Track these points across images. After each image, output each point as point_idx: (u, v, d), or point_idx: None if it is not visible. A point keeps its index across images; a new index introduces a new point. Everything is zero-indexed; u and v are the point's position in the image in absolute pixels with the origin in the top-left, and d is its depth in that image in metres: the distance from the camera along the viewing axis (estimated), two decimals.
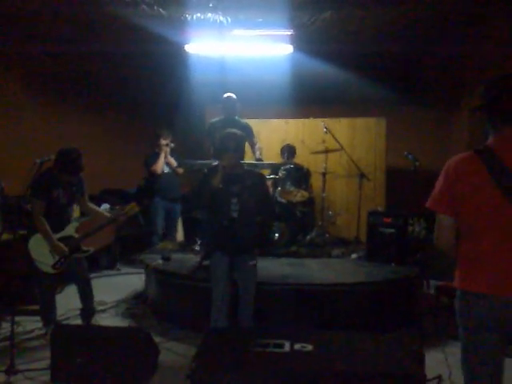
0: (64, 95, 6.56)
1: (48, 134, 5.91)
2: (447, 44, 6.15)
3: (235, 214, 3.69)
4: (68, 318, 4.64)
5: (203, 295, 3.88)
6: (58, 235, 4.08)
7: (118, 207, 5.01)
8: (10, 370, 3.40)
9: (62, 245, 4.03)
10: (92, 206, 4.39)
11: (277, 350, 2.77)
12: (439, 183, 2.19)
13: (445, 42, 6.12)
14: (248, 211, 3.71)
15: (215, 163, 3.99)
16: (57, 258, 4.03)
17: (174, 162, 6.30)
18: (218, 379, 2.62)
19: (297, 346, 2.80)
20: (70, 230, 4.14)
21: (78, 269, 4.22)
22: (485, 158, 2.06)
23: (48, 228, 4.01)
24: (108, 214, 4.30)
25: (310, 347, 2.79)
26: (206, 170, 4.05)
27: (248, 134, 5.40)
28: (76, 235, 4.13)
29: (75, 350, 3.37)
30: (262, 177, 4.02)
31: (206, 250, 4.01)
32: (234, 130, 3.81)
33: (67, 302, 4.73)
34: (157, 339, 4.11)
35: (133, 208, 4.18)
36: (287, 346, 2.80)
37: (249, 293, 3.74)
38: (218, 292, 3.67)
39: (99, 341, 3.41)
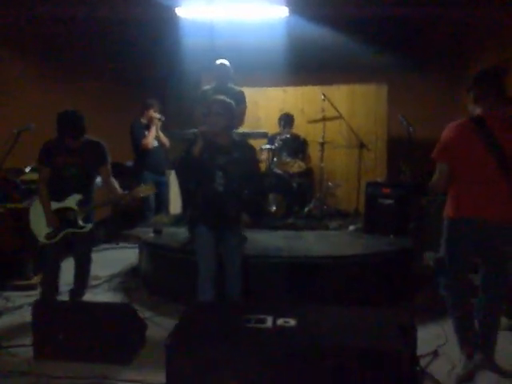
0: (48, 63, 6.35)
1: (32, 104, 5.75)
2: (453, 7, 5.84)
3: (220, 188, 3.54)
4: (60, 293, 4.55)
5: (194, 269, 3.77)
6: (57, 205, 3.91)
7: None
8: None
9: (54, 216, 3.87)
10: (110, 179, 4.03)
11: (258, 325, 2.67)
12: (442, 140, 2.95)
13: (451, 5, 5.81)
14: (234, 185, 3.56)
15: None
16: (50, 228, 3.90)
17: (165, 139, 6.10)
18: (194, 353, 2.52)
19: (279, 321, 2.69)
20: (70, 201, 3.92)
21: (77, 246, 4.07)
22: (477, 124, 2.84)
23: (46, 196, 3.87)
24: (120, 193, 3.98)
25: (292, 322, 2.68)
26: (192, 139, 3.88)
27: (239, 100, 5.22)
28: (75, 208, 3.92)
29: (58, 326, 3.32)
30: (252, 149, 3.78)
31: (189, 222, 3.85)
32: (223, 97, 3.64)
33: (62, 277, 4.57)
34: (147, 313, 4.09)
35: (146, 189, 3.96)
36: (269, 321, 2.69)
37: (235, 267, 3.64)
38: (203, 266, 3.57)
39: (83, 316, 3.34)
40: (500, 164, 2.82)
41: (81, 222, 3.95)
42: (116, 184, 4.01)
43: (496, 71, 3.06)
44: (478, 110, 2.93)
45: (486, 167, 2.85)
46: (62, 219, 3.91)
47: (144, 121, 6.10)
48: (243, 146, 3.71)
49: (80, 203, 3.93)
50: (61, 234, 3.92)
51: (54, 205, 3.91)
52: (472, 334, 3.08)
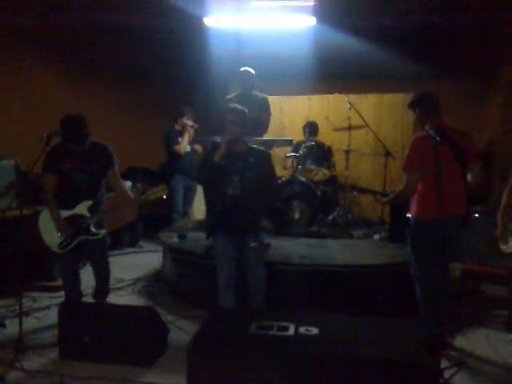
0: (80, 70, 6.51)
1: (63, 110, 5.86)
2: (480, 14, 5.77)
3: (237, 193, 3.56)
4: (86, 295, 4.62)
5: (216, 274, 3.79)
6: (68, 213, 3.83)
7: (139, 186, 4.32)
8: (19, 346, 3.40)
9: (66, 225, 3.80)
10: (120, 183, 3.95)
11: (280, 332, 2.66)
12: (412, 153, 3.43)
13: (478, 12, 5.74)
14: (250, 190, 3.58)
15: (219, 139, 3.85)
16: (63, 238, 3.83)
17: (198, 146, 6.21)
18: (215, 359, 2.53)
19: (301, 330, 2.68)
20: (81, 208, 3.84)
21: (94, 251, 4.01)
22: (440, 135, 3.34)
23: (53, 205, 3.80)
24: (131, 195, 3.91)
25: (315, 331, 2.66)
26: (210, 146, 3.92)
27: (263, 108, 5.24)
28: (87, 215, 3.84)
29: (83, 327, 3.37)
30: (266, 154, 3.84)
31: (208, 229, 3.86)
32: (236, 105, 3.69)
33: (87, 278, 4.59)
34: (170, 318, 4.11)
35: (160, 191, 3.87)
36: (292, 329, 2.68)
37: (256, 274, 3.63)
38: (222, 274, 3.60)
39: (108, 318, 3.38)
40: (462, 165, 3.39)
41: (94, 229, 3.87)
42: (126, 187, 3.97)
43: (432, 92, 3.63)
44: (429, 123, 3.45)
45: (452, 169, 3.37)
46: (74, 227, 3.83)
47: (178, 127, 6.24)
48: (258, 152, 3.75)
49: (91, 209, 3.85)
50: (74, 243, 3.85)
51: (65, 213, 3.83)
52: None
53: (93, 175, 3.87)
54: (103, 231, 3.92)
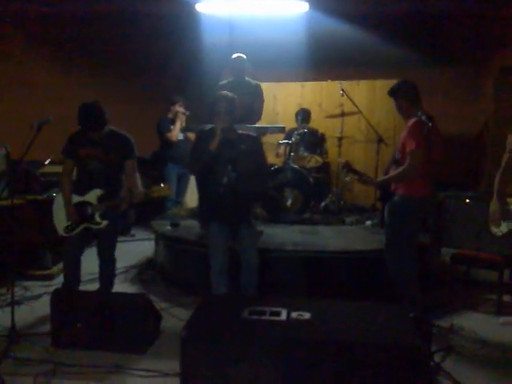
0: (71, 58, 6.46)
1: (54, 98, 5.84)
2: (472, 1, 5.75)
3: (231, 181, 3.54)
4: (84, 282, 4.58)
5: (209, 261, 3.79)
6: (78, 199, 3.86)
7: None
8: (12, 335, 3.38)
9: (74, 210, 3.83)
10: (135, 175, 3.88)
11: (273, 317, 2.67)
12: (418, 133, 3.49)
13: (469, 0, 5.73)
14: (244, 177, 3.56)
15: (207, 127, 3.81)
16: (69, 222, 3.86)
17: (190, 133, 6.19)
18: (208, 344, 2.54)
19: (294, 315, 2.69)
20: (91, 196, 3.85)
21: (100, 244, 4.02)
22: (431, 120, 3.51)
23: (67, 189, 3.85)
24: (139, 191, 3.81)
25: (307, 316, 2.68)
26: (198, 135, 3.87)
27: (256, 95, 5.21)
28: (95, 203, 3.84)
29: (76, 315, 3.36)
30: (257, 140, 3.81)
31: (201, 218, 3.85)
32: (225, 93, 3.65)
33: (85, 266, 4.38)
34: (163, 305, 4.11)
35: (161, 190, 3.77)
36: (284, 315, 2.69)
37: (250, 261, 3.63)
38: (216, 262, 3.60)
39: (100, 306, 3.37)
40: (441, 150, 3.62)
41: (98, 218, 3.86)
42: (139, 181, 3.90)
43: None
44: (412, 110, 3.61)
45: (436, 153, 3.56)
46: (80, 213, 3.85)
47: (171, 116, 6.27)
48: (248, 138, 3.72)
49: (101, 198, 3.84)
50: (78, 229, 3.87)
51: (76, 198, 3.87)
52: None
53: (109, 164, 3.86)
54: (105, 222, 3.87)
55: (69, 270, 4.03)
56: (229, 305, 2.99)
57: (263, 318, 2.67)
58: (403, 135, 3.65)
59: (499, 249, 3.97)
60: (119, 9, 5.74)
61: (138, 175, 3.93)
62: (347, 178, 6.17)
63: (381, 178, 3.83)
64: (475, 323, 3.78)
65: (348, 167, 3.83)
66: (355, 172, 3.80)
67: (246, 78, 5.33)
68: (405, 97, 3.66)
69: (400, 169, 3.57)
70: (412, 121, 3.58)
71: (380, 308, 2.90)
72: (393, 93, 3.72)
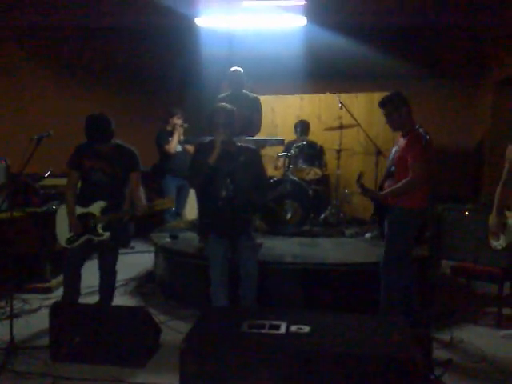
0: (72, 71, 6.50)
1: (54, 111, 5.87)
2: (469, 14, 5.81)
3: (230, 194, 3.54)
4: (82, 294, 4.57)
5: (208, 274, 3.79)
6: (81, 210, 3.87)
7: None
8: (10, 348, 3.38)
9: (77, 221, 3.84)
10: (138, 189, 3.87)
11: (272, 331, 2.66)
12: (420, 145, 3.53)
13: (466, 12, 5.78)
14: (243, 190, 3.56)
15: (206, 139, 3.82)
16: (72, 233, 3.86)
17: (189, 146, 6.22)
18: (207, 357, 2.53)
19: (293, 328, 2.68)
20: (94, 207, 3.85)
21: (101, 256, 4.01)
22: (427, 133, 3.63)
23: (71, 201, 3.85)
24: (142, 204, 3.79)
25: (306, 329, 2.67)
26: (196, 147, 3.88)
27: (254, 108, 5.25)
28: (98, 215, 3.84)
29: (75, 328, 3.35)
30: (256, 152, 3.82)
31: (201, 231, 3.86)
32: (224, 105, 3.66)
33: (84, 278, 4.37)
34: (162, 318, 4.11)
35: (164, 203, 3.80)
36: (283, 328, 2.69)
37: (250, 274, 3.63)
38: (215, 274, 3.60)
39: (99, 319, 3.37)
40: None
41: (100, 230, 3.86)
42: (143, 194, 3.89)
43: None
44: (409, 122, 3.63)
45: (434, 165, 3.63)
46: (83, 225, 3.86)
47: (169, 128, 6.30)
48: (247, 150, 3.72)
49: (104, 210, 3.85)
50: (81, 240, 3.88)
51: (79, 210, 3.88)
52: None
53: (113, 177, 3.86)
54: (107, 233, 3.87)
55: (69, 282, 4.01)
56: (228, 318, 2.98)
57: (262, 331, 2.67)
58: (400, 148, 3.64)
59: (499, 261, 3.97)
60: (119, 23, 5.80)
61: (141, 189, 3.94)
62: (346, 191, 6.21)
63: (384, 191, 3.73)
64: (475, 336, 3.77)
65: (360, 179, 3.82)
66: (362, 185, 3.79)
67: (244, 91, 5.37)
68: (405, 107, 3.63)
69: (404, 181, 3.54)
70: (411, 134, 3.59)
71: (379, 321, 2.90)
72: (383, 104, 3.68)
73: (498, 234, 3.59)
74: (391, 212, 3.68)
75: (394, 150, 3.78)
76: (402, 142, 3.68)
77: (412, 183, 3.52)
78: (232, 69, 5.36)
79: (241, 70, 5.33)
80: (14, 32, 5.71)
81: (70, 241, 3.89)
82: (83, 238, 3.89)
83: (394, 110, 3.62)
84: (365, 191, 3.77)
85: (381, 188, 3.82)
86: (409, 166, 3.52)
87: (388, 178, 3.77)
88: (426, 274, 4.48)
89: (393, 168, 3.70)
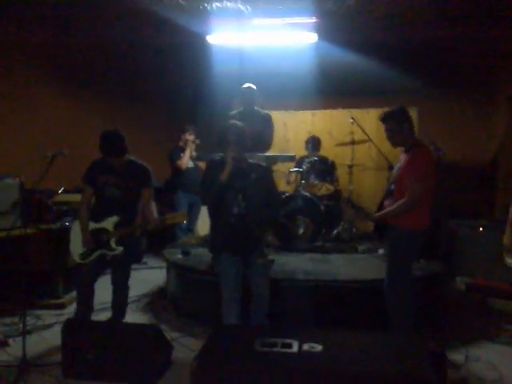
0: (84, 87, 6.57)
1: (67, 128, 5.93)
2: (481, 29, 5.80)
3: (242, 211, 3.54)
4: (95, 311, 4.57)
5: (220, 291, 3.78)
6: (94, 226, 3.90)
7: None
8: (23, 365, 3.38)
9: (90, 236, 3.87)
10: (150, 204, 3.92)
11: (284, 349, 2.64)
12: (425, 163, 3.40)
13: (479, 27, 5.77)
14: (255, 207, 3.56)
15: (218, 156, 3.82)
16: (85, 248, 3.89)
17: (201, 162, 6.26)
18: (219, 376, 2.51)
19: (305, 347, 2.65)
20: (107, 223, 3.88)
21: (114, 271, 4.02)
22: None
23: (84, 216, 3.89)
24: (154, 218, 3.83)
25: (319, 348, 2.64)
26: (208, 164, 3.87)
27: (266, 124, 5.27)
28: (111, 230, 3.88)
29: (86, 345, 3.34)
30: (267, 169, 3.84)
31: (212, 248, 3.84)
32: (235, 122, 3.68)
33: (97, 294, 4.33)
34: (174, 335, 4.09)
35: (176, 217, 3.85)
36: (295, 346, 2.66)
37: (261, 291, 3.61)
38: (227, 291, 3.57)
39: (111, 337, 3.36)
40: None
41: (113, 244, 3.89)
42: (155, 209, 3.92)
43: None
44: (411, 138, 3.50)
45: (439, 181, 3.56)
46: (96, 240, 3.89)
47: (181, 144, 6.37)
48: (259, 167, 3.73)
49: (117, 225, 3.87)
50: (94, 255, 3.89)
51: (92, 225, 3.91)
52: None
53: (126, 192, 3.90)
54: (120, 248, 3.89)
55: (82, 298, 4.01)
56: (240, 335, 2.95)
57: (275, 349, 2.64)
58: (401, 165, 3.51)
59: None
60: (133, 40, 5.88)
61: (153, 204, 3.97)
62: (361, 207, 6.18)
63: (379, 213, 3.58)
64: (492, 354, 3.70)
65: (348, 202, 3.76)
66: (353, 206, 3.73)
67: (256, 108, 5.40)
68: (407, 123, 3.49)
69: (400, 202, 3.40)
70: (412, 150, 3.45)
71: (394, 339, 2.86)
72: (384, 119, 3.53)
73: None
74: (392, 232, 3.53)
75: (396, 167, 3.66)
76: (403, 158, 3.55)
77: (407, 205, 3.37)
78: (245, 85, 5.39)
79: (254, 86, 5.37)
80: (24, 52, 5.79)
81: (83, 256, 3.90)
82: (97, 253, 3.90)
83: (396, 125, 3.48)
84: (357, 212, 3.70)
85: (381, 206, 3.65)
86: (408, 185, 3.38)
87: (388, 196, 3.62)
88: (439, 290, 4.42)
89: (392, 186, 3.57)
